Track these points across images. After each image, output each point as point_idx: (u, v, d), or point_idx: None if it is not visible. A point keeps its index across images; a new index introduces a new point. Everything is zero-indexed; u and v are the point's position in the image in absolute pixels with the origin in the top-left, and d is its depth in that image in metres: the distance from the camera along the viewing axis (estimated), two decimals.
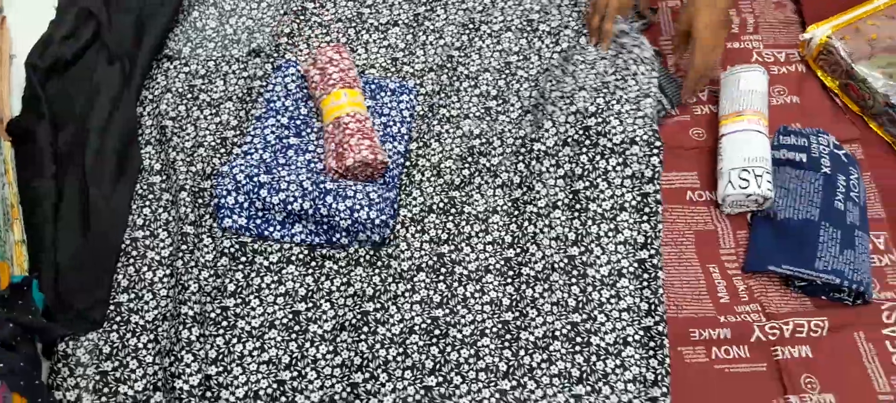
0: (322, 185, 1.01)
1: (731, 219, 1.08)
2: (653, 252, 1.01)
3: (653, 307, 0.97)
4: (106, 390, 0.92)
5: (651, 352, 0.94)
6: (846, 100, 1.19)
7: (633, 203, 1.04)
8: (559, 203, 1.05)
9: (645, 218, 1.03)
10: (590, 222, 1.03)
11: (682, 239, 1.06)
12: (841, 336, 0.97)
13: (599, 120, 1.09)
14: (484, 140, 1.13)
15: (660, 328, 0.95)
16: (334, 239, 1.02)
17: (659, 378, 0.92)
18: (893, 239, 1.06)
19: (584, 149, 1.08)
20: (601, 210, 1.04)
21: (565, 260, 1.01)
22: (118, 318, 0.97)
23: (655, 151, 1.07)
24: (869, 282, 0.99)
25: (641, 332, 0.95)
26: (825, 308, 1.00)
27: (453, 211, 1.06)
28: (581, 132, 1.09)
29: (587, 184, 1.06)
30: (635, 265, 1.00)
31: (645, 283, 0.99)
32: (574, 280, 0.99)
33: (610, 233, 1.02)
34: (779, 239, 1.04)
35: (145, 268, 1.00)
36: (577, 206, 1.05)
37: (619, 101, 1.11)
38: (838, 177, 1.05)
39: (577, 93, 1.12)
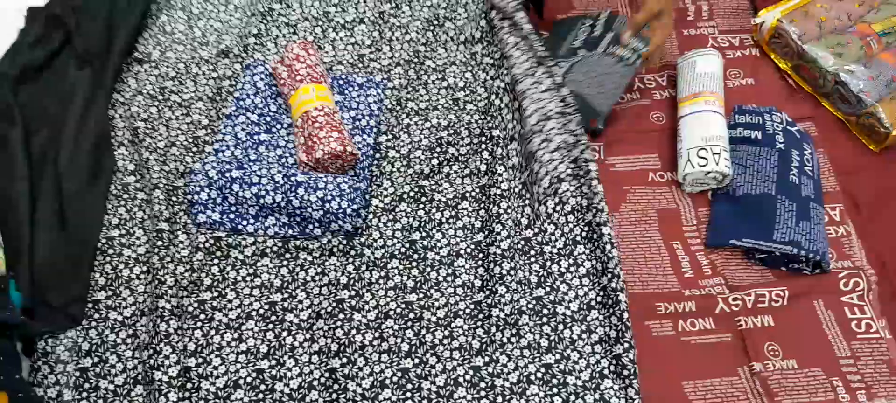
0: (293, 178, 1.03)
1: (693, 197, 1.12)
2: (595, 212, 1.03)
3: (605, 266, 1.00)
4: (86, 386, 0.92)
5: (610, 310, 0.97)
6: (799, 81, 1.24)
7: (569, 172, 1.07)
8: (514, 190, 1.09)
9: (582, 183, 1.06)
10: (538, 204, 1.06)
11: (645, 219, 1.09)
12: (801, 305, 1.00)
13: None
14: (452, 131, 1.16)
15: (613, 284, 0.98)
16: (307, 231, 1.04)
17: (620, 333, 0.95)
18: (848, 211, 1.10)
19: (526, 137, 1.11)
20: (542, 190, 1.07)
21: (522, 243, 1.04)
22: (96, 315, 0.97)
23: (571, 117, 1.10)
24: (825, 251, 1.02)
25: (601, 293, 0.98)
26: (785, 278, 1.03)
27: (423, 199, 1.09)
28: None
29: (528, 171, 1.09)
30: (586, 230, 1.03)
31: (596, 245, 1.02)
32: (534, 258, 1.03)
33: (557, 208, 1.05)
34: (738, 213, 1.07)
35: (122, 266, 1.01)
36: (527, 195, 1.08)
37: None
38: (792, 152, 1.09)
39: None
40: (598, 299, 0.98)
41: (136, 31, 1.24)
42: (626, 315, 0.95)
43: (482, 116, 1.17)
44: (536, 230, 1.05)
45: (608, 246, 1.00)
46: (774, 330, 0.98)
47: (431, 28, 1.29)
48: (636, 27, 1.17)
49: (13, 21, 1.23)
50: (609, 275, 0.99)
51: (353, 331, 0.97)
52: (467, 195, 1.09)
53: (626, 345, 0.94)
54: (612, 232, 1.01)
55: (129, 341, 0.96)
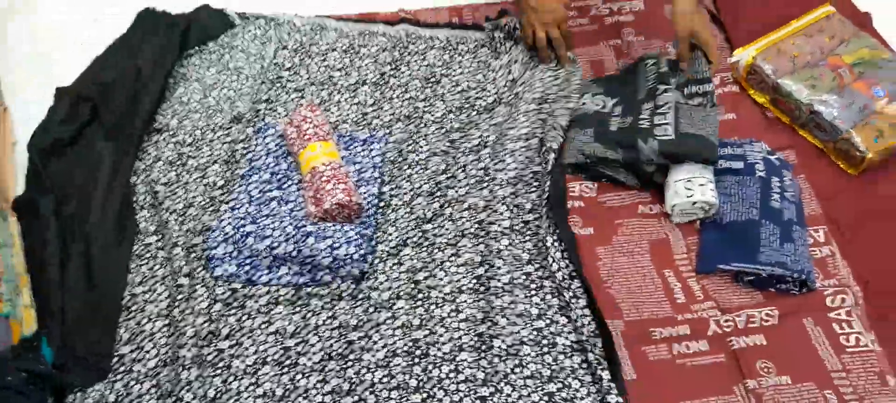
0: (303, 229, 1.10)
1: (682, 227, 1.17)
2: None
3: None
4: None
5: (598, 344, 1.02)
6: (777, 113, 1.30)
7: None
8: (516, 227, 1.15)
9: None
10: (542, 244, 1.13)
11: (637, 249, 1.15)
12: (791, 323, 1.04)
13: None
14: (449, 174, 1.23)
15: (585, 321, 1.04)
16: (318, 278, 1.10)
17: (600, 364, 1.01)
18: (831, 232, 1.15)
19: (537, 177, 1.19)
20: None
21: (523, 277, 1.10)
22: (122, 368, 1.03)
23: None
24: (810, 270, 1.07)
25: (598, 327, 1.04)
26: (774, 298, 1.07)
27: (426, 242, 1.15)
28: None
29: (538, 214, 1.17)
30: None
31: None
32: (534, 292, 1.08)
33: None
34: (725, 240, 1.12)
35: (145, 321, 1.07)
36: (528, 232, 1.15)
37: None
38: (773, 179, 1.15)
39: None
40: (595, 332, 1.03)
41: (156, 104, 1.33)
42: (598, 346, 1.02)
43: (476, 154, 1.25)
44: (537, 265, 1.11)
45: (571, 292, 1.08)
46: (766, 349, 1.02)
47: (430, 85, 1.38)
48: (686, 56, 1.23)
49: (43, 101, 1.32)
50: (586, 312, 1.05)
51: (364, 371, 1.02)
52: (466, 232, 1.15)
53: (608, 376, 0.99)
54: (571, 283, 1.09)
55: (152, 391, 1.01)
